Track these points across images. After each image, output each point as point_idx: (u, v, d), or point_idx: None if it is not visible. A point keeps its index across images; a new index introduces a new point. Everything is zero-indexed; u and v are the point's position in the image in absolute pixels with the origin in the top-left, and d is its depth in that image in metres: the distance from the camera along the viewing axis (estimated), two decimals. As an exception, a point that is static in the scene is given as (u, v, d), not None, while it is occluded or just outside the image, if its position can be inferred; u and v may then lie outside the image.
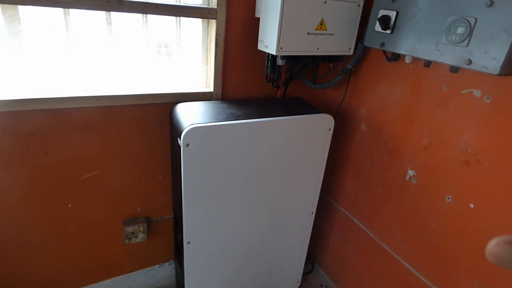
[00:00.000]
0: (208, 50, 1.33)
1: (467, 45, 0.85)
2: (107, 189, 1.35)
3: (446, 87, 1.09)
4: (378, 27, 1.09)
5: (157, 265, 1.64)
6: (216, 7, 1.21)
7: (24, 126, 1.11)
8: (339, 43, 1.25)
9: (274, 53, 1.14)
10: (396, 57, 1.19)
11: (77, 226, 1.35)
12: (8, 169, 1.15)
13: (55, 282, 1.41)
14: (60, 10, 1.06)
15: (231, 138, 1.12)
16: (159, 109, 1.30)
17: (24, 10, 1.02)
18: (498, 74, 0.80)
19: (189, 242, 1.22)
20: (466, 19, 0.84)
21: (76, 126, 1.19)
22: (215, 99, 1.37)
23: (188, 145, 1.05)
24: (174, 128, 1.17)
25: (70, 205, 1.30)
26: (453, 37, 0.87)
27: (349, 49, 1.29)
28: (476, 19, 0.82)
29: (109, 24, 1.15)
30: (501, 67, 0.79)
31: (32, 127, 1.12)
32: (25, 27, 1.05)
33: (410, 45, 1.01)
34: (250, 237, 1.37)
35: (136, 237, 1.45)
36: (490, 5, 0.79)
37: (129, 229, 1.42)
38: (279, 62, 1.23)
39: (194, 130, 1.04)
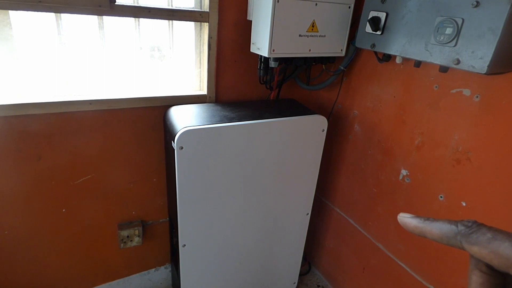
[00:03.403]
0: (201, 53, 1.34)
1: (455, 45, 0.86)
2: (101, 193, 1.34)
3: (436, 87, 1.11)
4: (368, 28, 1.11)
5: (153, 269, 1.63)
6: (208, 11, 1.22)
7: (16, 131, 1.11)
8: (331, 44, 1.26)
9: (266, 55, 1.15)
10: (387, 57, 1.21)
11: (71, 231, 1.35)
12: (0, 175, 1.14)
13: (50, 288, 1.41)
14: (51, 15, 1.06)
15: (225, 140, 1.12)
16: (153, 113, 1.31)
17: (15, 15, 1.02)
18: (485, 74, 0.81)
19: (185, 245, 1.22)
20: (453, 20, 0.85)
21: (69, 131, 1.19)
22: (209, 102, 1.37)
23: (182, 148, 1.05)
24: (168, 131, 1.17)
25: (64, 210, 1.30)
26: (441, 38, 0.88)
27: (341, 50, 1.30)
28: (463, 20, 0.84)
29: (101, 28, 1.15)
30: (488, 66, 0.80)
31: (25, 132, 1.12)
32: (17, 32, 1.05)
33: (400, 45, 1.03)
34: (246, 239, 1.37)
35: (131, 241, 1.44)
36: (476, 6, 0.80)
37: (124, 233, 1.42)
38: (272, 64, 1.23)
39: (187, 133, 1.04)
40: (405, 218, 0.28)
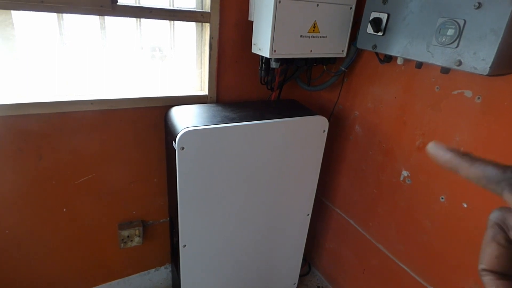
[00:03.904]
0: (202, 53, 1.34)
1: (457, 46, 0.86)
2: (102, 193, 1.34)
3: (437, 88, 1.11)
4: (370, 29, 1.11)
5: (153, 269, 1.63)
6: (209, 11, 1.22)
7: (17, 131, 1.11)
8: (332, 45, 1.26)
9: (267, 56, 1.15)
10: (389, 58, 1.21)
11: (72, 230, 1.35)
12: (1, 174, 1.14)
13: (50, 287, 1.41)
14: (53, 15, 1.06)
15: (226, 141, 1.12)
16: (154, 113, 1.31)
17: (17, 14, 1.02)
18: (487, 75, 0.81)
19: (185, 245, 1.22)
20: (455, 21, 0.85)
21: (70, 130, 1.19)
22: (210, 102, 1.37)
23: (183, 148, 1.05)
24: (169, 132, 1.17)
25: (65, 210, 1.30)
26: (443, 39, 0.88)
27: (342, 51, 1.30)
28: (465, 21, 0.84)
29: (103, 29, 1.15)
30: (490, 67, 0.80)
31: (26, 131, 1.12)
32: (19, 31, 1.05)
33: (401, 46, 1.03)
34: (246, 240, 1.37)
35: (131, 241, 1.44)
36: (478, 7, 0.80)
37: (125, 233, 1.42)
38: (273, 64, 1.23)
39: (189, 133, 1.04)
40: (437, 150, 0.25)
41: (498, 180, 0.22)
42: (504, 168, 0.22)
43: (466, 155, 0.24)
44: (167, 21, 1.24)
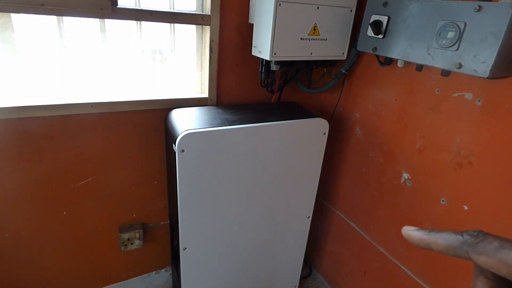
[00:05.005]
0: (202, 56, 1.34)
1: (457, 49, 0.86)
2: (102, 195, 1.34)
3: (438, 91, 1.11)
4: (370, 32, 1.11)
5: (154, 272, 1.63)
6: (210, 14, 1.22)
7: (18, 134, 1.11)
8: (332, 48, 1.26)
9: (268, 58, 1.15)
10: (389, 61, 1.21)
11: (72, 233, 1.34)
12: (1, 177, 1.14)
13: (50, 291, 1.40)
14: (53, 18, 1.06)
15: (226, 143, 1.12)
16: (154, 115, 1.31)
17: (17, 17, 1.03)
18: (487, 78, 0.81)
19: (186, 248, 1.22)
20: (455, 24, 0.85)
21: (70, 133, 1.19)
22: (210, 105, 1.37)
23: (183, 151, 1.05)
24: (169, 134, 1.17)
25: (65, 213, 1.29)
26: (444, 42, 0.88)
27: (342, 53, 1.30)
28: (465, 24, 0.84)
29: (103, 31, 1.15)
30: (490, 70, 0.80)
31: (26, 134, 1.12)
32: (19, 34, 1.05)
33: (402, 49, 1.03)
34: (247, 242, 1.37)
35: (132, 243, 1.44)
36: (479, 10, 0.80)
37: (125, 235, 1.41)
38: (273, 67, 1.23)
39: (189, 136, 1.04)
40: (410, 231, 0.28)
41: (460, 245, 0.24)
42: (460, 233, 0.24)
43: (432, 231, 0.26)
44: (168, 24, 1.24)
